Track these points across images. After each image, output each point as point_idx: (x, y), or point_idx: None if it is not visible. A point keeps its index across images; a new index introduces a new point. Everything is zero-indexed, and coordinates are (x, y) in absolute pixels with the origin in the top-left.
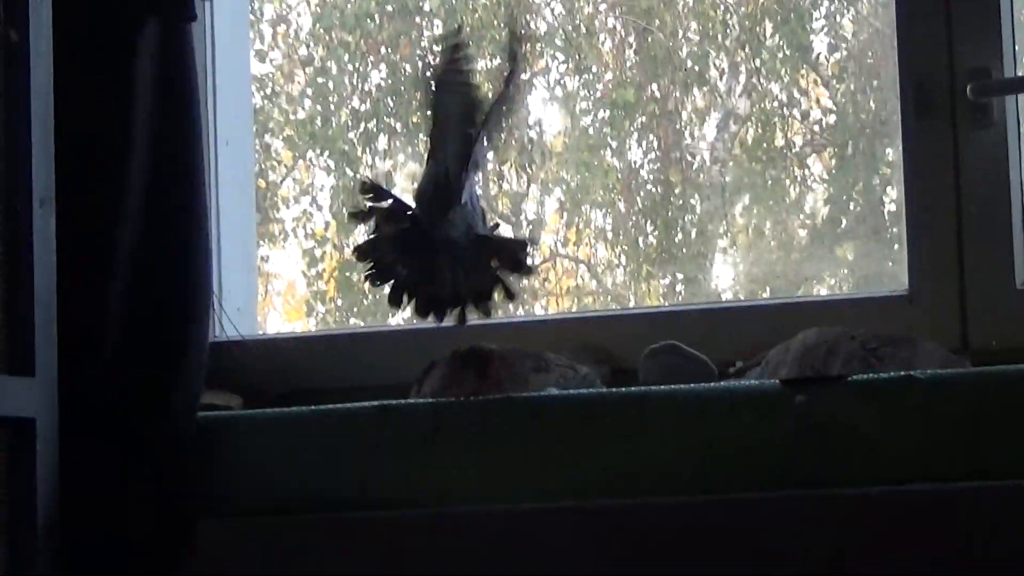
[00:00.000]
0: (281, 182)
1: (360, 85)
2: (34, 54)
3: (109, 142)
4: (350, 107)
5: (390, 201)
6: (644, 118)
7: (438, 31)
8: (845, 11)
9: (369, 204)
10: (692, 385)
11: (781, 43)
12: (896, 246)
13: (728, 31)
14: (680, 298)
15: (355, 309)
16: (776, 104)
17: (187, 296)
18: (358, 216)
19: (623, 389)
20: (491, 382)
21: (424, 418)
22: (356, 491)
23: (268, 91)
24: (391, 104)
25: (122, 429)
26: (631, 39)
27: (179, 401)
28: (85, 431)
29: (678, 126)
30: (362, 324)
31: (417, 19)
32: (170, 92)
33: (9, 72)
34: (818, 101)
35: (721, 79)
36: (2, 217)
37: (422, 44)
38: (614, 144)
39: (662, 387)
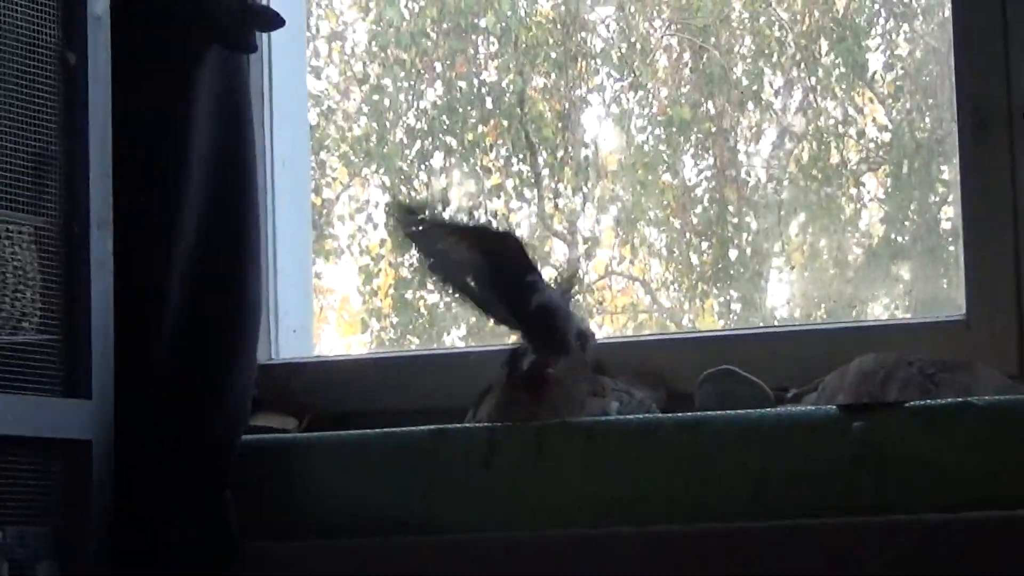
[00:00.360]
0: (337, 199)
1: (415, 103)
2: (92, 77)
3: (166, 166)
4: (405, 124)
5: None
6: (699, 135)
7: (493, 48)
8: (901, 29)
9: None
10: (748, 411)
11: (837, 61)
12: (952, 265)
13: (784, 49)
14: (735, 317)
15: (410, 326)
16: (831, 122)
17: (235, 319)
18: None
19: (679, 414)
20: (547, 406)
21: (480, 442)
22: (410, 515)
23: (323, 108)
24: (446, 122)
25: (169, 450)
26: (686, 56)
27: (222, 423)
28: (134, 452)
29: (733, 144)
30: (416, 342)
31: (473, 37)
32: (226, 118)
33: (67, 95)
34: (874, 119)
35: (776, 97)
36: (60, 240)
37: (477, 62)
38: (669, 161)
39: (718, 412)
